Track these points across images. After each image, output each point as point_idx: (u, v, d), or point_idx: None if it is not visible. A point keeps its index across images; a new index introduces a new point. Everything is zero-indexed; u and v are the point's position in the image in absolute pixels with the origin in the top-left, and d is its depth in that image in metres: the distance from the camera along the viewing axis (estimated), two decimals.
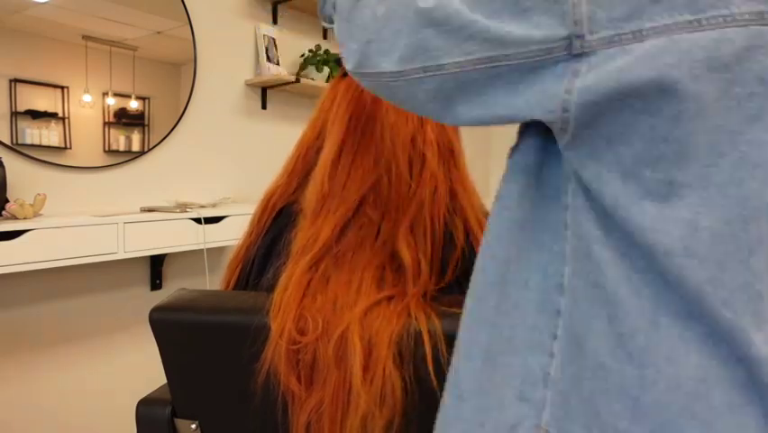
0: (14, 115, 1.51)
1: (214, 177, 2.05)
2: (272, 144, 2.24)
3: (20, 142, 1.52)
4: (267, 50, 2.15)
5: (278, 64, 2.18)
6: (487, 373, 0.48)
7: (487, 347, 0.49)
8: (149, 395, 0.80)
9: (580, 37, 0.40)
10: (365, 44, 0.53)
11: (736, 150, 0.38)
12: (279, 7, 2.27)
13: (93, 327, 1.73)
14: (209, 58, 2.02)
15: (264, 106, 2.23)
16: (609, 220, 0.42)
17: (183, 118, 1.93)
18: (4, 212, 1.39)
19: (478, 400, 0.48)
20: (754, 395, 0.38)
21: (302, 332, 0.63)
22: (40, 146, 1.57)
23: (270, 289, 0.71)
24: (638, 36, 0.39)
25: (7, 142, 1.50)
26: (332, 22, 0.66)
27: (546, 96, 0.43)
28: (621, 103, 0.39)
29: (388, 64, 0.51)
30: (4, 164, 1.41)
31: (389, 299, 0.64)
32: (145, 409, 0.77)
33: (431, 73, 0.48)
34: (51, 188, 1.58)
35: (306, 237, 0.71)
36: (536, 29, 0.42)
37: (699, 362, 0.39)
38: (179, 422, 0.75)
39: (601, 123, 0.41)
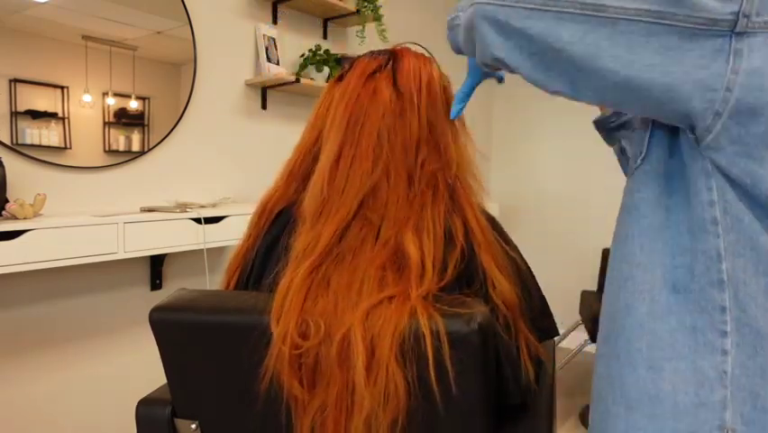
0: (14, 115, 1.51)
1: (214, 177, 2.05)
2: (272, 144, 2.24)
3: (20, 142, 1.52)
4: (267, 50, 2.15)
5: (278, 64, 2.18)
6: (654, 380, 0.49)
7: (649, 354, 0.49)
8: (149, 395, 0.80)
9: (747, 16, 0.40)
10: None
11: None
12: (279, 7, 2.27)
13: (93, 327, 1.73)
14: (209, 58, 2.01)
15: (264, 106, 2.23)
16: None
17: (183, 118, 1.93)
18: (4, 212, 1.39)
19: (650, 408, 0.49)
20: None
21: (304, 336, 0.63)
22: (40, 146, 1.57)
23: (270, 292, 0.71)
24: None
25: (7, 142, 1.50)
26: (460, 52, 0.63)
27: (710, 74, 0.42)
28: None
29: None
30: (4, 164, 1.41)
31: (391, 298, 0.64)
32: (145, 409, 0.77)
33: (588, 12, 0.44)
34: (51, 188, 1.58)
35: (307, 242, 0.71)
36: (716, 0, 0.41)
37: None
38: (179, 422, 0.75)
39: (755, 120, 0.41)
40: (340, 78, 0.82)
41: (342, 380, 0.62)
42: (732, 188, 0.44)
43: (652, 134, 0.52)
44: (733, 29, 0.41)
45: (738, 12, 0.40)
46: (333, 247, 0.70)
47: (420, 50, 0.85)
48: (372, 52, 0.83)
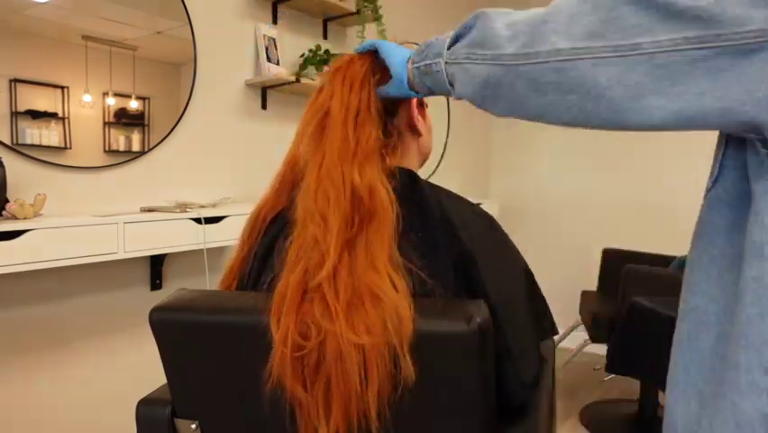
0: (14, 115, 1.51)
1: (214, 177, 2.05)
2: (272, 144, 2.24)
3: (20, 142, 1.52)
4: (267, 50, 2.15)
5: (278, 64, 2.18)
6: (698, 417, 0.46)
7: (701, 389, 0.46)
8: (149, 395, 0.80)
9: None
10: (534, 26, 0.46)
11: None
12: (279, 7, 2.27)
13: (93, 327, 1.73)
14: (209, 58, 2.01)
15: (264, 106, 2.23)
16: None
17: (183, 118, 1.93)
18: (4, 212, 1.39)
19: None
20: None
21: (305, 337, 0.63)
22: (40, 146, 1.57)
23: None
24: None
25: (7, 142, 1.50)
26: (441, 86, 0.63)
27: (766, 83, 0.37)
28: None
29: (564, 41, 0.43)
30: (4, 164, 1.41)
31: (382, 297, 0.65)
32: (145, 409, 0.77)
33: (621, 54, 0.41)
34: (51, 188, 1.58)
35: (300, 244, 0.71)
36: (756, 8, 0.36)
37: None
38: (179, 422, 0.75)
39: None
40: (321, 90, 0.83)
41: (344, 371, 0.62)
42: None
43: (725, 154, 0.47)
44: None
45: None
46: None
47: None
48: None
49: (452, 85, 0.61)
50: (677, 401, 0.49)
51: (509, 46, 0.49)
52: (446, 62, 0.60)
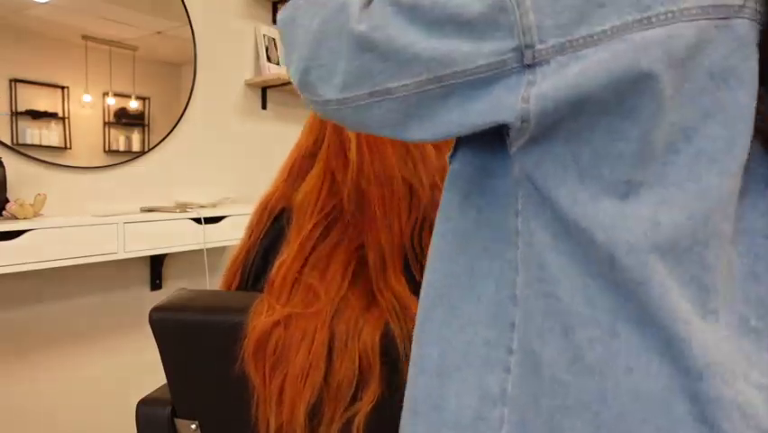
0: (14, 115, 1.51)
1: (214, 177, 2.05)
2: (272, 144, 2.24)
3: (20, 142, 1.52)
4: (267, 50, 2.15)
5: (278, 64, 2.18)
6: (440, 388, 0.47)
7: (439, 362, 0.47)
8: (149, 395, 0.80)
9: (530, 47, 0.38)
10: (304, 69, 0.48)
11: (692, 146, 0.38)
12: (279, 7, 2.27)
13: (93, 327, 1.73)
14: (209, 58, 2.01)
15: (264, 106, 2.23)
16: (562, 224, 0.41)
17: (183, 118, 1.93)
18: (4, 212, 1.39)
19: (433, 415, 0.47)
20: (695, 408, 0.37)
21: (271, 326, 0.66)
22: (40, 146, 1.57)
23: None
24: (589, 41, 0.37)
25: (7, 142, 1.50)
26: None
27: (502, 107, 0.40)
28: (580, 105, 0.38)
29: (331, 92, 0.46)
30: (4, 164, 1.41)
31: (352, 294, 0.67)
32: (145, 409, 0.77)
33: (379, 98, 0.44)
34: (51, 188, 1.58)
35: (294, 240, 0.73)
36: (483, 42, 0.39)
37: (659, 371, 0.38)
38: (179, 422, 0.76)
39: (559, 125, 0.40)
40: None
41: (303, 360, 0.64)
42: (536, 198, 0.43)
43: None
44: (522, 63, 0.39)
45: (519, 46, 0.38)
46: (317, 244, 0.72)
47: None
48: None
49: None
50: (417, 374, 0.50)
51: (293, 77, 0.51)
52: None
